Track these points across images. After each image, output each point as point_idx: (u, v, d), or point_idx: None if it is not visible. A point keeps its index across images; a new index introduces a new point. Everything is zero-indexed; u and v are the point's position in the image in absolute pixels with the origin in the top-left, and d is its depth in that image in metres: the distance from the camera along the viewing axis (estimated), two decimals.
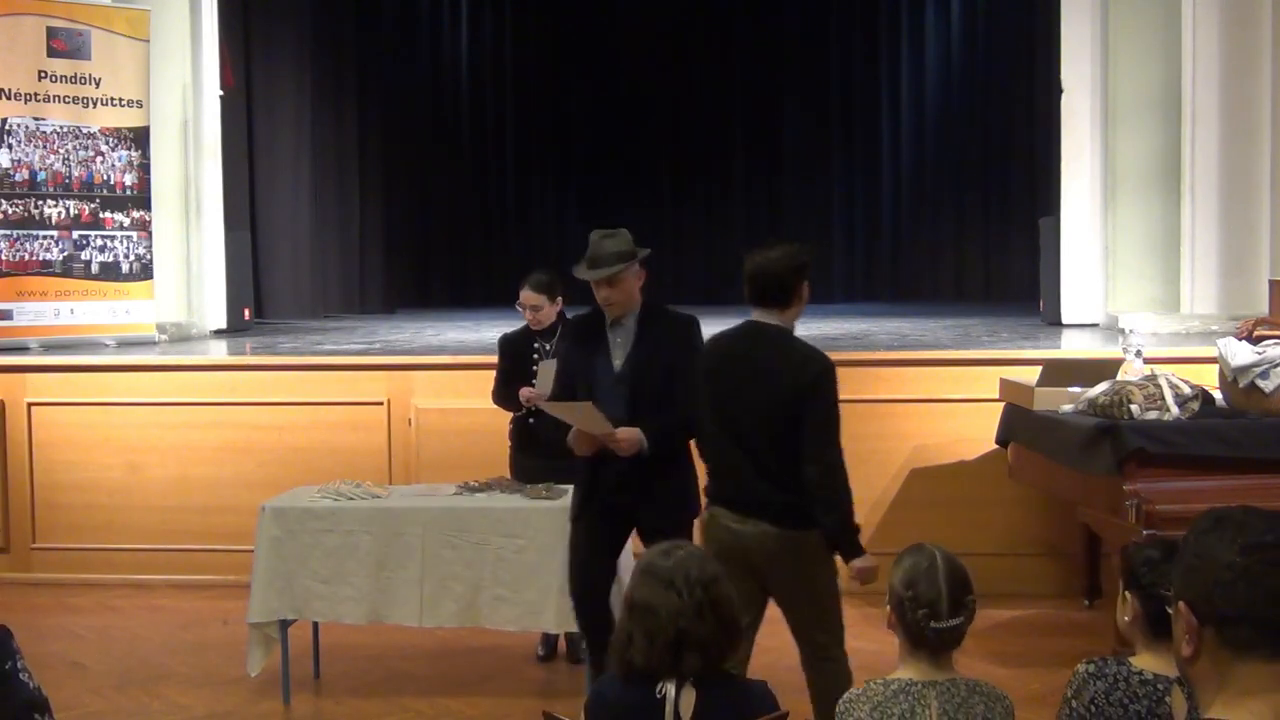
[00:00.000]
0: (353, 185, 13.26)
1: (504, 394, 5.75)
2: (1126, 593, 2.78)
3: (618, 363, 4.42)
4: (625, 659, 2.72)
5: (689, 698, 2.65)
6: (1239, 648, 1.69)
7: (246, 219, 10.71)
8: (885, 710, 2.67)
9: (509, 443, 5.83)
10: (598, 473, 4.44)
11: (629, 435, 4.29)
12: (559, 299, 5.72)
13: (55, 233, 8.46)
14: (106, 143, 8.63)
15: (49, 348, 8.05)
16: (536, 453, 5.60)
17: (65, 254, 8.49)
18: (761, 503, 3.89)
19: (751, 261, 4.07)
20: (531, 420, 5.62)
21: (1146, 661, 2.69)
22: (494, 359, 5.93)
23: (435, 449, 6.94)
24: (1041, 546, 6.58)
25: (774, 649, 5.74)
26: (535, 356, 5.64)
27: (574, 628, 4.99)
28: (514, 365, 5.73)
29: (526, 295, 5.67)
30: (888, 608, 2.79)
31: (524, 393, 5.56)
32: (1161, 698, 2.61)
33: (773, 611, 6.30)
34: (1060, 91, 9.28)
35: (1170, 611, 1.84)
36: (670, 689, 2.65)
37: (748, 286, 4.08)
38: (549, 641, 5.64)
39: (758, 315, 4.08)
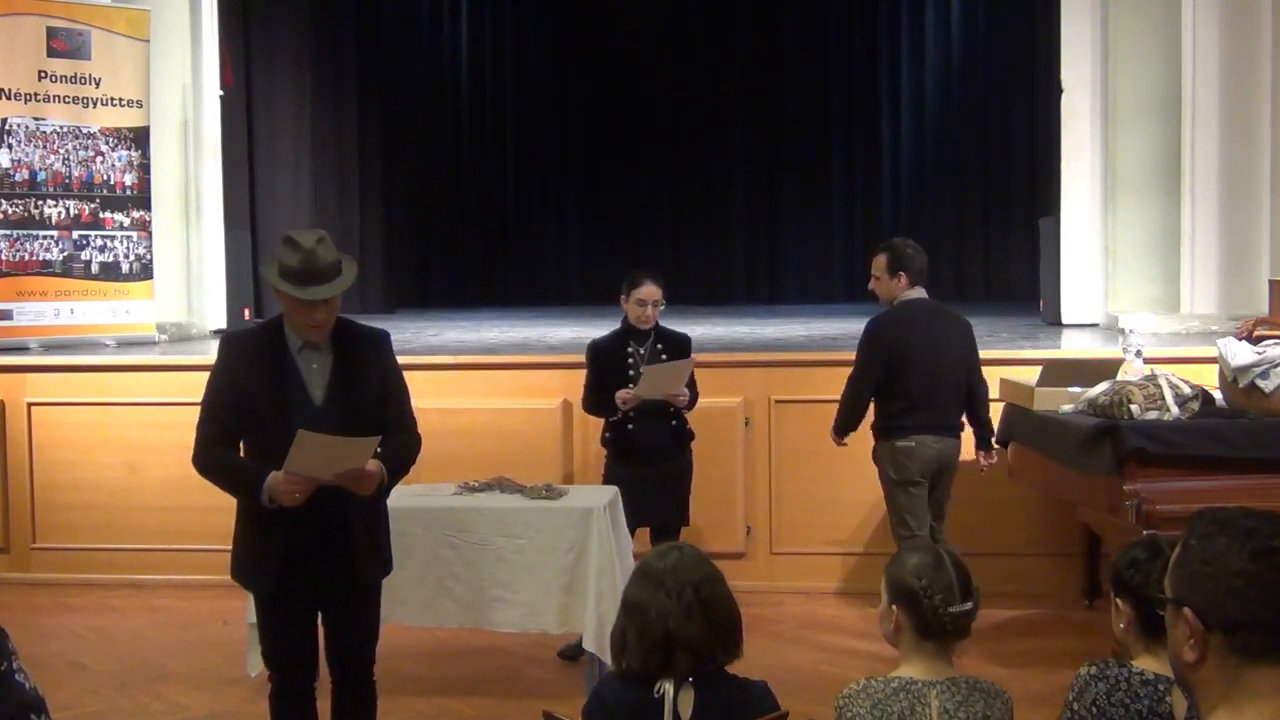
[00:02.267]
0: (353, 185, 13.25)
1: (596, 400, 5.65)
2: (1118, 600, 2.78)
3: (318, 393, 3.65)
4: (621, 659, 2.73)
5: (688, 698, 2.65)
6: (1250, 654, 1.69)
7: (246, 219, 10.70)
8: (885, 707, 2.67)
9: (604, 450, 5.73)
10: (295, 530, 3.63)
11: (374, 469, 3.60)
12: None
13: (55, 233, 8.46)
14: (106, 143, 8.63)
15: (49, 348, 8.05)
16: (633, 460, 5.57)
17: (65, 254, 8.49)
18: (953, 424, 5.55)
19: (920, 254, 5.63)
20: (630, 426, 5.56)
21: (1147, 663, 2.69)
22: (493, 359, 5.92)
23: (435, 449, 6.83)
24: (1041, 546, 6.57)
25: (774, 649, 5.77)
26: (630, 361, 5.57)
27: (576, 628, 5.00)
28: (608, 372, 5.60)
29: (648, 290, 5.56)
30: (893, 608, 2.78)
31: (621, 395, 5.46)
32: (1162, 697, 2.61)
33: (770, 612, 6.33)
34: (1060, 91, 9.28)
35: (1160, 614, 1.83)
36: (669, 689, 2.65)
37: (918, 274, 5.60)
38: (576, 644, 5.37)
39: (919, 294, 5.62)
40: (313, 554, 3.67)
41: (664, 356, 5.57)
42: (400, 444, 3.76)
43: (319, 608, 3.80)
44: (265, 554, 3.71)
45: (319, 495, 3.57)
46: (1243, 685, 1.69)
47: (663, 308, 5.64)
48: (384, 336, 3.86)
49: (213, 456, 3.71)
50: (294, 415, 3.57)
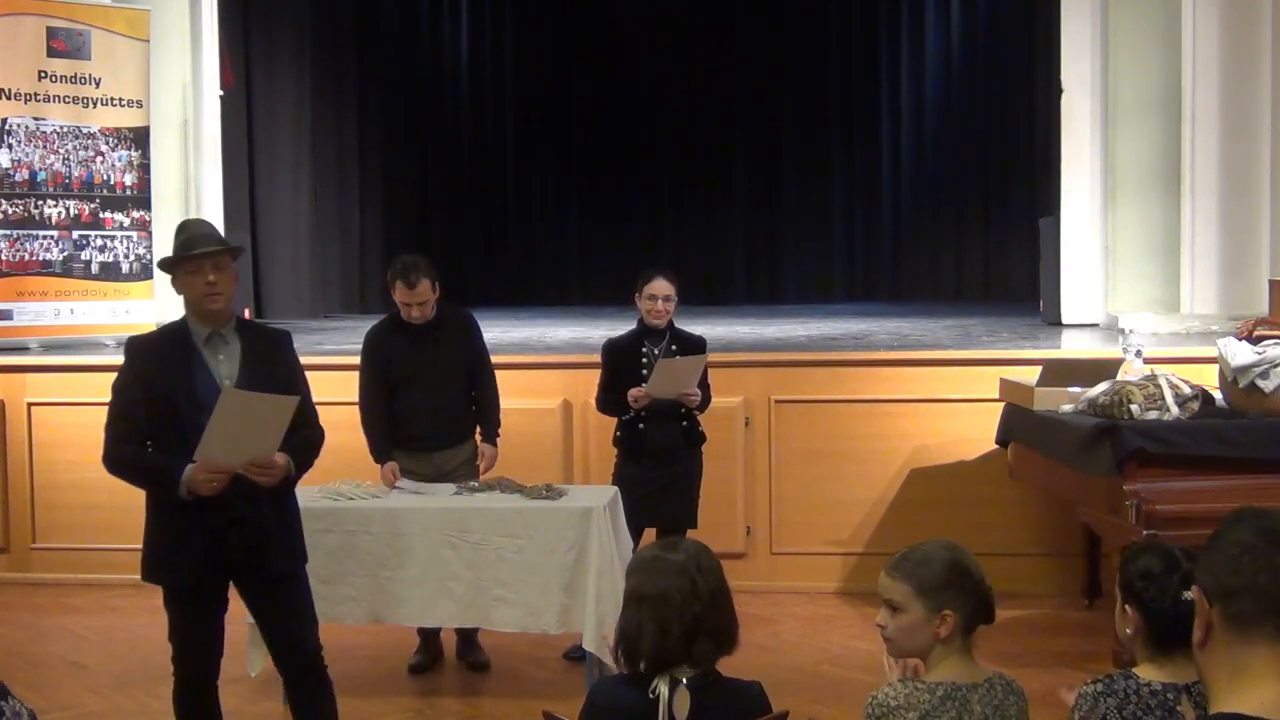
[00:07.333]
0: (353, 185, 13.26)
1: (609, 399, 5.65)
2: (1126, 606, 2.74)
3: (227, 383, 3.75)
4: (633, 652, 2.71)
5: (683, 699, 2.65)
6: (1243, 624, 1.72)
7: (246, 219, 10.71)
8: (934, 719, 2.65)
9: (615, 450, 5.73)
10: (213, 520, 3.71)
11: (281, 460, 3.72)
12: None
13: (55, 233, 8.46)
14: (106, 143, 8.63)
15: (49, 348, 8.05)
16: (645, 462, 5.56)
17: (65, 254, 8.49)
18: None
19: None
20: (642, 425, 5.55)
21: (1151, 673, 2.65)
22: (493, 359, 5.90)
23: None
24: (1041, 546, 6.58)
25: (773, 648, 5.77)
26: (644, 360, 5.56)
27: (576, 628, 5.00)
28: (622, 370, 5.60)
29: (659, 285, 5.54)
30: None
31: (633, 392, 5.45)
32: (1173, 707, 2.58)
33: (770, 612, 6.34)
34: (1060, 91, 9.27)
35: (1171, 625, 1.86)
36: (664, 690, 2.65)
37: None
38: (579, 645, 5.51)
39: None
40: (230, 546, 3.76)
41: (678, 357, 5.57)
42: (304, 439, 3.86)
43: (243, 600, 3.93)
44: (184, 546, 3.77)
45: (232, 487, 3.66)
46: (1246, 668, 1.72)
47: (675, 303, 5.62)
48: (287, 336, 4.03)
49: (124, 453, 3.86)
50: (207, 403, 3.65)
